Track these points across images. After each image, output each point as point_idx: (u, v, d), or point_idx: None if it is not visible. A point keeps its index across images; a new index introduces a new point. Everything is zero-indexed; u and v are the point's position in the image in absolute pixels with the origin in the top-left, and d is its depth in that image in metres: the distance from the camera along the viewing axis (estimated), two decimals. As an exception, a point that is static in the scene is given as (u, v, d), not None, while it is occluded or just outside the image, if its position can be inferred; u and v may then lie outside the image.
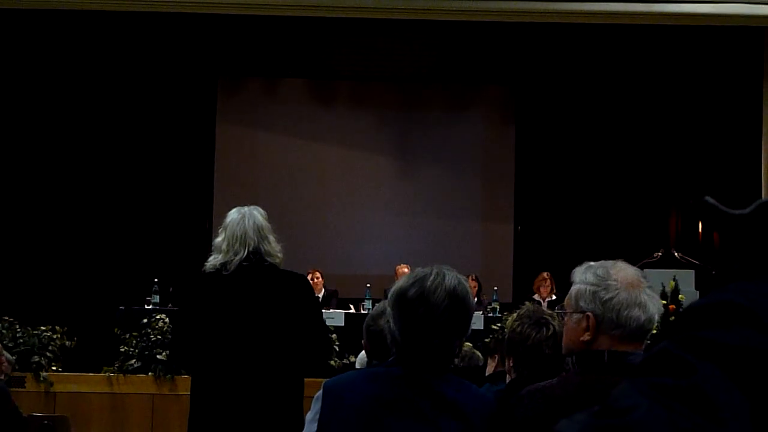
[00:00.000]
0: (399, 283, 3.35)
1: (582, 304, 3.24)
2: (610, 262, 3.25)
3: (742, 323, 1.15)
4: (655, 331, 9.55)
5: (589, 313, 3.21)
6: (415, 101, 17.41)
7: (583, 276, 3.25)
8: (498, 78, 17.35)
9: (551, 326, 4.22)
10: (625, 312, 3.12)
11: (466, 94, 17.52)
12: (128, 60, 16.50)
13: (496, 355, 6.14)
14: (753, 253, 1.22)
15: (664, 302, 11.88)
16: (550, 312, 4.43)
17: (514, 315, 4.50)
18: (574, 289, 3.27)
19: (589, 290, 3.20)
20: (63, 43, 16.23)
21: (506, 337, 4.45)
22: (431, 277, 3.27)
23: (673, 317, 11.53)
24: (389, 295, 3.37)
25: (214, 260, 5.57)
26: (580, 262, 3.33)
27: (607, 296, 3.16)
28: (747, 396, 1.11)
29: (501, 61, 17.12)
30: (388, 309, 3.35)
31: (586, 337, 3.22)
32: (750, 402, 1.11)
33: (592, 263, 3.28)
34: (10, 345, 11.30)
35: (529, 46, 16.78)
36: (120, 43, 16.39)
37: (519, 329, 4.26)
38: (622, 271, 3.20)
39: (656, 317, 3.16)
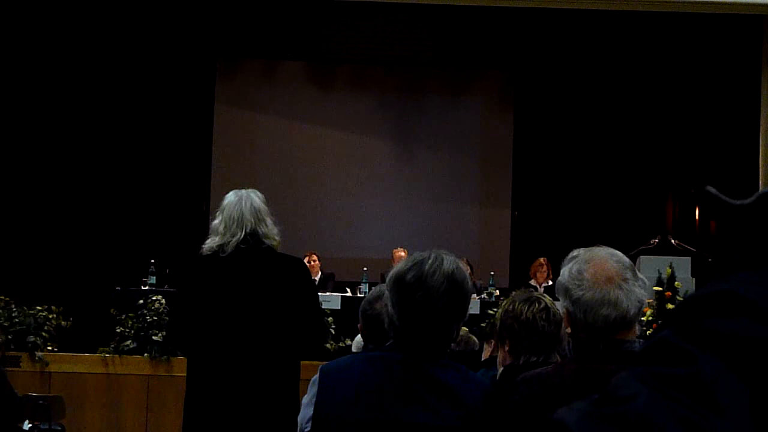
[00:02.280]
0: (397, 267, 3.36)
1: (560, 297, 3.27)
2: (590, 254, 3.24)
3: (743, 313, 1.15)
4: (650, 318, 9.52)
5: (565, 309, 3.23)
6: (414, 85, 17.40)
7: (563, 269, 3.26)
8: (497, 63, 17.34)
9: (543, 301, 4.24)
10: (592, 312, 3.13)
11: (465, 78, 17.52)
12: (126, 41, 16.46)
13: (492, 341, 6.14)
14: (754, 243, 1.22)
15: (660, 289, 11.88)
16: (540, 293, 4.47)
17: (504, 303, 4.52)
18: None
19: (563, 286, 3.22)
20: (58, 24, 16.18)
21: (499, 322, 4.46)
22: (429, 261, 3.28)
23: (669, 304, 11.55)
24: (387, 279, 3.37)
25: (211, 242, 5.58)
26: (577, 248, 3.33)
27: (576, 295, 3.17)
28: (747, 386, 1.11)
29: (500, 45, 17.11)
30: (386, 293, 3.35)
31: (568, 329, 3.25)
32: (750, 392, 1.11)
33: (576, 253, 3.28)
34: (5, 324, 11.31)
35: (528, 31, 16.77)
36: (118, 24, 16.35)
37: (511, 307, 4.28)
38: (596, 265, 3.19)
39: (634, 310, 3.15)
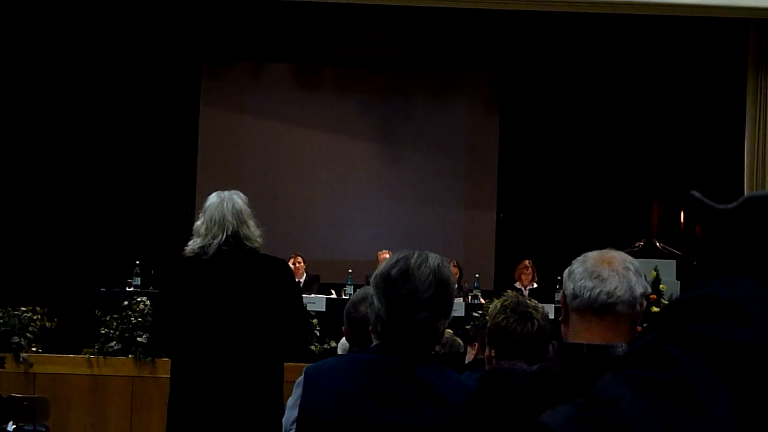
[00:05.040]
0: (381, 265, 3.36)
1: (564, 283, 3.28)
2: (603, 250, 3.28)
3: (727, 318, 1.15)
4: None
5: (563, 292, 3.24)
6: (400, 87, 17.40)
7: None
8: (483, 64, 17.35)
9: (536, 321, 4.19)
10: (580, 282, 3.13)
11: (451, 80, 17.52)
12: (112, 42, 16.42)
13: (476, 343, 6.13)
14: (738, 248, 1.23)
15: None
16: (534, 304, 4.39)
17: (497, 303, 4.45)
18: None
19: (569, 268, 3.23)
20: (44, 25, 16.14)
21: (488, 326, 4.42)
22: (414, 257, 3.29)
23: (654, 308, 11.57)
24: (372, 278, 3.37)
25: (193, 244, 5.58)
26: (562, 251, 3.35)
27: (573, 268, 3.18)
28: (731, 389, 1.11)
29: (486, 47, 17.12)
30: (372, 290, 3.35)
31: (563, 313, 3.24)
32: (734, 395, 1.11)
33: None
34: (-10, 325, 11.31)
35: (515, 33, 16.79)
36: (104, 25, 16.32)
37: (504, 323, 4.23)
38: (603, 253, 3.22)
39: (622, 293, 3.12)
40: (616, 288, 3.12)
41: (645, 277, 3.27)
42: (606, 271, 3.14)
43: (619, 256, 3.22)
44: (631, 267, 3.19)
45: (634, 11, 14.19)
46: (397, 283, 3.25)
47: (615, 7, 13.95)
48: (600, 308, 3.12)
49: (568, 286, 3.18)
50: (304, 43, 17.16)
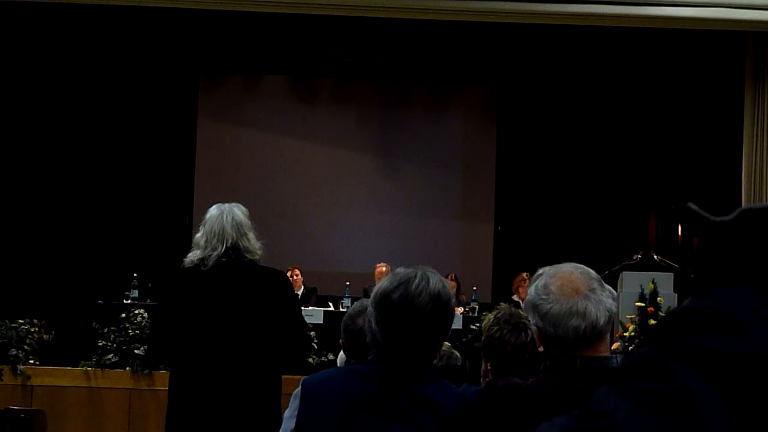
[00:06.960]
0: (382, 284, 3.33)
1: (529, 316, 3.25)
2: (554, 269, 3.23)
3: (723, 329, 1.15)
4: (632, 334, 9.46)
5: (535, 326, 3.21)
6: (397, 99, 17.40)
7: (530, 288, 3.25)
8: (480, 78, 17.36)
9: (529, 331, 4.19)
10: (562, 324, 3.10)
11: (448, 93, 17.52)
12: (110, 56, 16.43)
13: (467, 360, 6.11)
14: (734, 260, 1.23)
15: (642, 304, 11.89)
16: (526, 314, 4.38)
17: (490, 316, 4.44)
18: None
19: (531, 303, 3.20)
20: (42, 38, 16.14)
21: (483, 339, 4.41)
22: (416, 281, 3.24)
23: (651, 320, 11.56)
24: (372, 296, 3.34)
25: (192, 256, 5.57)
26: (559, 263, 3.32)
27: (544, 309, 3.14)
28: (727, 401, 1.11)
29: (483, 60, 17.13)
30: (370, 309, 3.33)
31: (540, 348, 3.22)
32: (730, 407, 1.11)
33: (541, 271, 3.26)
34: (-13, 337, 11.30)
35: (512, 47, 16.79)
36: (102, 39, 16.32)
37: (498, 335, 4.22)
38: (561, 278, 3.17)
39: (604, 319, 3.13)
40: (597, 317, 3.11)
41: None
42: (581, 302, 3.12)
43: (578, 277, 3.18)
44: (595, 284, 3.17)
45: (631, 24, 14.21)
46: (397, 309, 3.22)
47: (612, 20, 13.97)
48: (590, 339, 3.12)
49: (548, 330, 3.15)
50: (300, 55, 17.16)
